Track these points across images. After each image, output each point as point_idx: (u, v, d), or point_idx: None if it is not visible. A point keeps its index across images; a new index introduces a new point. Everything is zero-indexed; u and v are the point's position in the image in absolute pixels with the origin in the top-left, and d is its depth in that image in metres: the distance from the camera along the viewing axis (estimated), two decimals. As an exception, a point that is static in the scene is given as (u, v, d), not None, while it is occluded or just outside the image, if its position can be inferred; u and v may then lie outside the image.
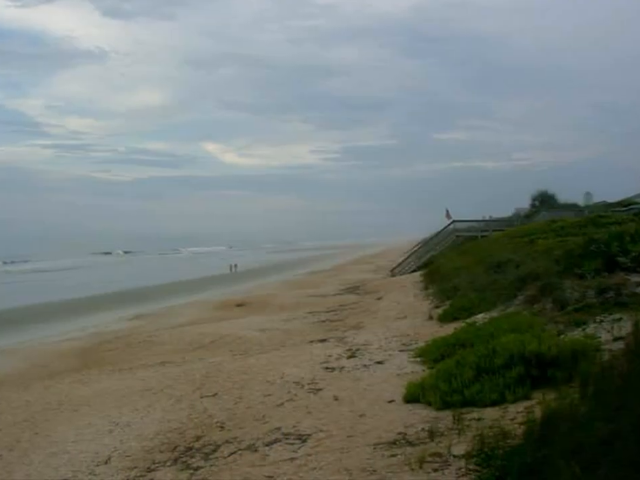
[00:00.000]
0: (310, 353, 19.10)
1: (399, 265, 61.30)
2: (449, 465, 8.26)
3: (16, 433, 14.23)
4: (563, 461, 6.14)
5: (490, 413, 10.26)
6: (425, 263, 55.05)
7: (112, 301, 45.93)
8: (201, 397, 15.28)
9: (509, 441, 8.26)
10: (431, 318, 23.53)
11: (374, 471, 8.61)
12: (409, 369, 15.32)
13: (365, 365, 16.45)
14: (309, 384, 14.90)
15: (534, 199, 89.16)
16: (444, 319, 22.43)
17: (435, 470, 8.22)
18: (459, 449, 8.66)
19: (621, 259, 18.30)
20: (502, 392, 10.89)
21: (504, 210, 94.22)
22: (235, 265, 78.50)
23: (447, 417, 10.55)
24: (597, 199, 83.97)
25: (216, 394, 15.38)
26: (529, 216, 71.91)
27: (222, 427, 12.66)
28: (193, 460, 10.97)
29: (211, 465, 10.46)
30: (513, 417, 9.78)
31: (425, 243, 69.34)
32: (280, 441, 11.09)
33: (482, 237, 56.70)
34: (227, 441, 11.68)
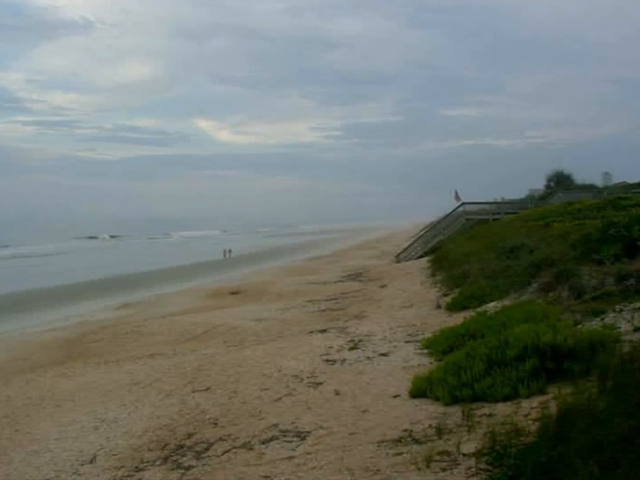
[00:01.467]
0: (309, 345, 19.11)
1: (405, 250, 61.28)
2: (458, 464, 8.25)
3: (-5, 429, 14.24)
4: (580, 459, 6.13)
5: (502, 409, 10.26)
6: (433, 248, 55.03)
7: (97, 289, 45.97)
8: (193, 392, 15.29)
9: (522, 439, 8.26)
10: (438, 307, 23.54)
11: (378, 470, 8.61)
12: (415, 361, 15.32)
13: (368, 357, 16.46)
14: (308, 377, 14.90)
15: (549, 180, 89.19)
16: (453, 307, 22.43)
17: (443, 469, 8.21)
18: (469, 447, 8.66)
19: (643, 244, 18.25)
20: (515, 386, 10.89)
21: (517, 191, 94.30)
22: (229, 250, 78.50)
23: (455, 412, 10.55)
24: (617, 179, 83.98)
25: (209, 388, 15.39)
26: (543, 198, 71.92)
27: (215, 424, 12.66)
28: (184, 459, 10.98)
29: (204, 464, 10.47)
30: (527, 412, 9.77)
31: (433, 226, 69.32)
32: (277, 438, 11.09)
33: (493, 220, 56.64)
34: (220, 439, 11.69)
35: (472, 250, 34.02)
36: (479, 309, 19.43)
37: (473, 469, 7.99)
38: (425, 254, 54.94)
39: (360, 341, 18.72)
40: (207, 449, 11.30)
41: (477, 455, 8.31)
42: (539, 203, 64.54)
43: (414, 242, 64.00)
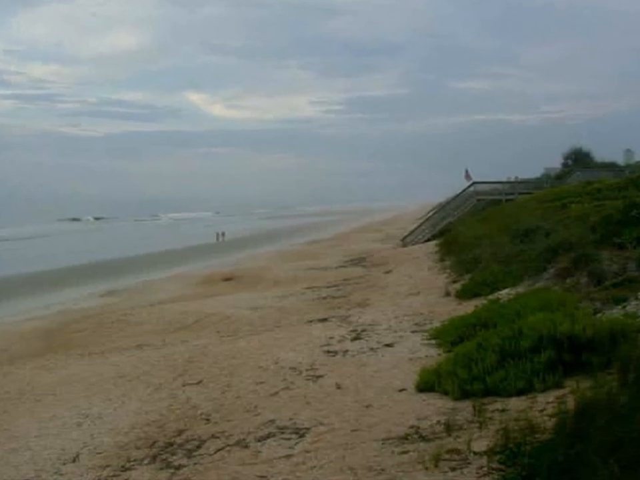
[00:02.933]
0: (309, 335, 19.13)
1: (411, 233, 61.33)
2: (469, 463, 8.26)
3: (-29, 426, 14.25)
4: (600, 458, 6.12)
5: (516, 404, 10.26)
6: (441, 231, 55.05)
7: (81, 275, 45.99)
8: (184, 385, 15.30)
9: (537, 436, 8.26)
10: (447, 294, 23.55)
11: (382, 470, 8.62)
12: (422, 352, 15.33)
13: (371, 349, 16.47)
14: (307, 370, 14.92)
15: (566, 158, 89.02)
16: (463, 295, 22.44)
17: (453, 469, 8.22)
18: (480, 445, 8.66)
19: (667, 226, 18.24)
20: (529, 379, 10.89)
21: (532, 170, 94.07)
22: (223, 234, 78.51)
23: (466, 407, 10.55)
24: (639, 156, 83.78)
25: (200, 381, 15.41)
26: (560, 177, 71.83)
27: (207, 420, 12.68)
28: (174, 457, 11.00)
29: (195, 463, 10.49)
30: (542, 408, 9.78)
31: (441, 207, 69.33)
32: (274, 435, 11.11)
33: (507, 200, 56.66)
34: (213, 436, 11.70)
35: (483, 233, 34.05)
36: (490, 297, 19.43)
37: (485, 469, 8.00)
38: (433, 237, 54.98)
39: (363, 330, 18.74)
40: (198, 447, 11.32)
41: (489, 453, 8.32)
42: (555, 182, 64.51)
43: (421, 224, 64.05)
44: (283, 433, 11.14)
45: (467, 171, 66.78)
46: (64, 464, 11.47)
